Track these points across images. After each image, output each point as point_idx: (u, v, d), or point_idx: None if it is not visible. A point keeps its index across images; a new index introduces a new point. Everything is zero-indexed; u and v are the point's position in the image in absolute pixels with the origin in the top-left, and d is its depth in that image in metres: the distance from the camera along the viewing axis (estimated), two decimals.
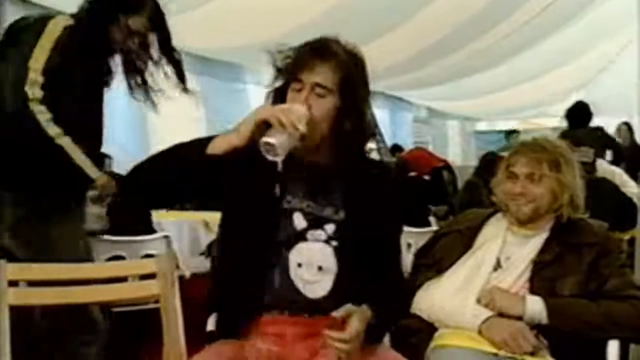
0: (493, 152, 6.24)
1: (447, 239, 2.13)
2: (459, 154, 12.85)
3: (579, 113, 5.70)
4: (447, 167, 9.72)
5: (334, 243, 1.74)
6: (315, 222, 1.74)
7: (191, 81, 7.78)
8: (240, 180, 1.71)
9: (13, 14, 4.83)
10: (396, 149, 8.55)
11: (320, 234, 1.74)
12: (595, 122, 8.32)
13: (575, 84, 10.72)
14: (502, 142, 9.98)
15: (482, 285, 1.94)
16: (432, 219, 5.33)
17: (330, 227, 1.74)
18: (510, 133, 10.05)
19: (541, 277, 1.94)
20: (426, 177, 8.76)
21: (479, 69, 9.01)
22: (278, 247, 1.72)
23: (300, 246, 1.73)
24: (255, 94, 8.24)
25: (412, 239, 4.35)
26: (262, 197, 1.72)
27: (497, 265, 1.99)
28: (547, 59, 9.31)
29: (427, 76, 8.83)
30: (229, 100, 7.77)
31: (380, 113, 10.92)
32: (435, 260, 2.08)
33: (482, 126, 13.78)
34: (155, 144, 5.94)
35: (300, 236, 1.73)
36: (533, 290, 1.92)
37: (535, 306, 1.86)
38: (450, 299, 1.94)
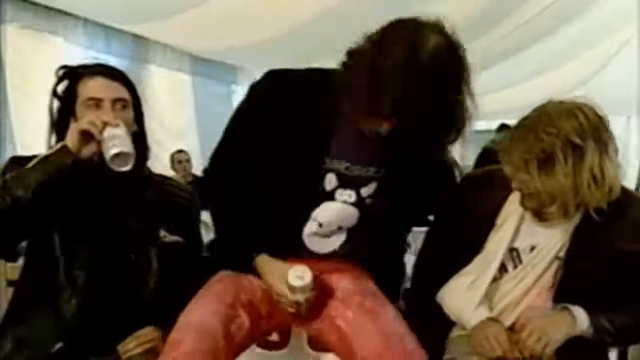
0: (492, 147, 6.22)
1: (461, 228, 1.84)
2: (456, 153, 12.79)
3: None
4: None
5: (370, 201, 1.72)
6: (348, 183, 1.70)
7: (183, 81, 7.78)
8: (286, 126, 1.64)
9: (13, 14, 4.84)
10: None
11: (350, 194, 1.71)
12: None
13: (575, 83, 10.71)
14: None
15: (490, 287, 1.79)
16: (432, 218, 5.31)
17: (371, 187, 1.71)
18: (501, 128, 9.93)
19: (569, 272, 1.74)
20: None
21: (478, 68, 8.98)
22: (305, 205, 1.71)
23: (326, 205, 1.71)
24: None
25: (413, 239, 4.34)
26: (302, 153, 1.64)
27: (516, 257, 1.80)
28: (546, 58, 9.29)
29: None
30: (219, 101, 7.78)
31: None
32: (451, 253, 1.85)
33: (480, 125, 13.75)
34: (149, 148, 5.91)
35: (330, 196, 1.70)
36: (558, 290, 1.75)
37: (583, 326, 1.70)
38: (459, 300, 1.82)
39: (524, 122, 1.68)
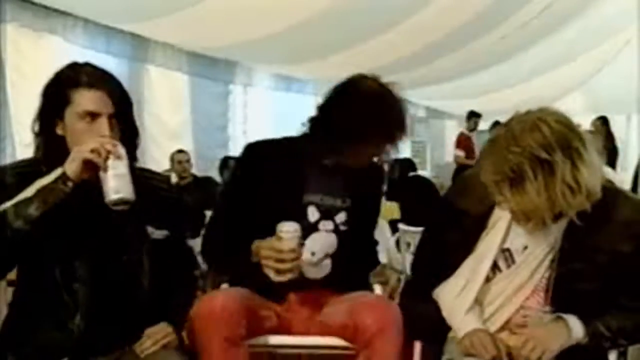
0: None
1: (456, 227, 1.84)
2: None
3: None
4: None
5: (343, 228, 2.06)
6: (326, 214, 2.04)
7: (181, 81, 7.72)
8: (268, 178, 1.99)
9: (13, 14, 4.84)
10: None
11: (329, 223, 2.04)
12: None
13: (575, 83, 10.73)
14: None
15: (482, 287, 1.79)
16: None
17: (342, 216, 2.05)
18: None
19: (562, 273, 1.73)
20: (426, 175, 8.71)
21: (478, 68, 9.01)
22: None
23: (314, 236, 2.02)
24: (244, 96, 8.23)
25: (412, 239, 4.35)
26: (285, 193, 1.99)
27: (509, 257, 1.79)
28: (547, 58, 9.31)
29: (426, 75, 8.83)
30: (216, 101, 7.78)
31: None
32: (444, 255, 1.86)
33: (481, 125, 13.75)
34: (147, 147, 5.88)
35: (314, 227, 2.02)
36: (553, 292, 1.74)
37: (578, 336, 1.70)
38: (450, 306, 1.82)
39: (493, 142, 1.66)
